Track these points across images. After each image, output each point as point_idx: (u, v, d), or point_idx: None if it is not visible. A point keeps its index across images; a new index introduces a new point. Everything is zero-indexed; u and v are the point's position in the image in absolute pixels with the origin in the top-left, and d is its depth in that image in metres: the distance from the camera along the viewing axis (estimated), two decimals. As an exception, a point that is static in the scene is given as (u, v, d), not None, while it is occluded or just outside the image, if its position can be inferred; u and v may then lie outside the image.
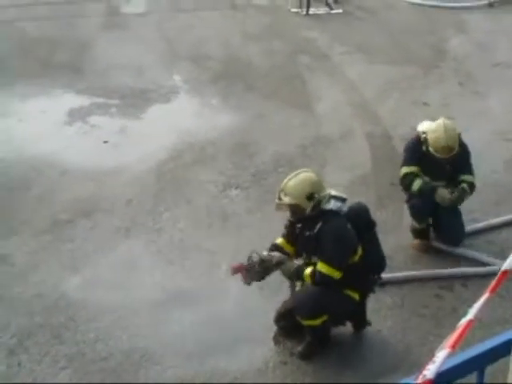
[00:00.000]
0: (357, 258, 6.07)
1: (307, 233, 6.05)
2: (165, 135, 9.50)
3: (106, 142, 9.40)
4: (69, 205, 8.06)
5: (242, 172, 8.77)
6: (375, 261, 6.28)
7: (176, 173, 8.75)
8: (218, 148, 9.25)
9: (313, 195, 5.95)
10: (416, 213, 7.38)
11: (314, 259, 6.00)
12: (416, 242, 7.41)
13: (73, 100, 10.36)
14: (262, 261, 6.01)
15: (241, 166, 8.88)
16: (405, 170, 7.35)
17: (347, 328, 6.42)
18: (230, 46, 12.10)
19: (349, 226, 6.04)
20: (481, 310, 2.92)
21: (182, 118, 10.08)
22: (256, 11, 13.60)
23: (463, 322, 2.86)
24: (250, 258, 6.03)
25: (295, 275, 6.05)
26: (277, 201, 6.04)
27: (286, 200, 5.95)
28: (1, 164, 8.73)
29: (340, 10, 13.50)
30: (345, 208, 6.16)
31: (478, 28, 12.78)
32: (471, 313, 2.89)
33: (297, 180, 6.00)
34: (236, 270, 6.08)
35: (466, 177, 7.39)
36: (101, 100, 10.39)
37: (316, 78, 10.94)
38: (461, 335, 2.81)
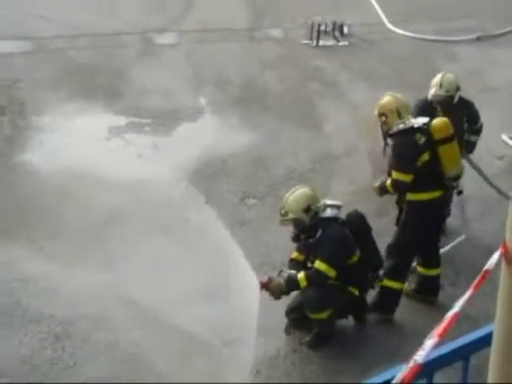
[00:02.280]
0: (355, 258, 6.12)
1: (310, 240, 6.12)
2: (191, 150, 9.54)
3: (139, 155, 9.45)
4: (106, 210, 8.11)
5: (258, 183, 8.80)
6: (372, 261, 6.31)
7: (201, 183, 8.79)
8: (237, 162, 9.28)
9: (309, 207, 6.04)
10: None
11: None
12: None
13: (111, 119, 10.40)
14: (290, 278, 6.05)
15: (257, 178, 8.91)
16: None
17: (349, 321, 6.45)
18: (249, 73, 12.11)
19: (346, 230, 6.09)
20: (465, 304, 2.93)
21: (206, 135, 10.09)
22: (271, 43, 13.61)
23: (450, 314, 2.86)
24: (280, 275, 6.12)
25: (288, 286, 6.05)
26: (280, 218, 6.18)
27: (287, 216, 6.07)
28: (46, 173, 8.80)
29: (346, 42, 13.48)
30: (340, 213, 6.20)
31: (467, 58, 12.75)
32: (457, 306, 2.90)
33: (294, 197, 6.11)
34: (264, 286, 6.14)
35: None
36: (135, 119, 10.42)
37: (324, 102, 10.96)
38: (448, 326, 2.81)
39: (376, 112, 6.71)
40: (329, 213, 6.15)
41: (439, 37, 13.62)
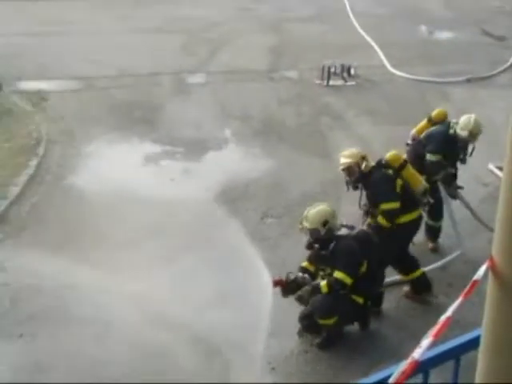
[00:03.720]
0: (363, 269, 6.13)
1: (323, 252, 6.15)
2: (217, 175, 9.60)
3: (172, 179, 9.52)
4: (143, 226, 8.18)
5: (275, 205, 8.82)
6: (376, 275, 6.34)
7: (226, 203, 8.83)
8: (258, 186, 9.32)
9: (327, 222, 6.10)
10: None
11: (328, 271, 6.09)
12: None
13: (148, 147, 10.50)
14: (297, 279, 6.20)
15: (275, 200, 8.94)
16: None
17: (354, 326, 6.45)
18: (268, 109, 12.19)
19: (355, 243, 6.13)
20: (456, 310, 2.96)
21: (231, 162, 10.16)
22: (288, 82, 13.70)
23: (443, 318, 2.89)
24: (287, 276, 6.21)
25: (313, 292, 6.13)
26: (300, 226, 6.24)
27: (307, 225, 6.12)
28: (92, 194, 8.89)
29: (353, 83, 13.53)
30: (353, 232, 6.25)
31: (458, 98, 12.75)
32: (449, 311, 2.93)
33: (316, 210, 6.18)
34: (276, 283, 6.26)
35: None
36: (169, 147, 10.52)
37: (333, 134, 11.00)
38: (441, 328, 2.84)
39: (342, 168, 6.85)
40: (342, 231, 6.22)
41: (434, 78, 13.66)
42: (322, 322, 6.14)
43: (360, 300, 6.18)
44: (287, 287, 6.22)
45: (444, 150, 7.52)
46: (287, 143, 10.72)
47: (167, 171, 9.82)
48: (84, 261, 7.37)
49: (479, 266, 2.96)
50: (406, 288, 7.00)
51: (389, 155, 6.81)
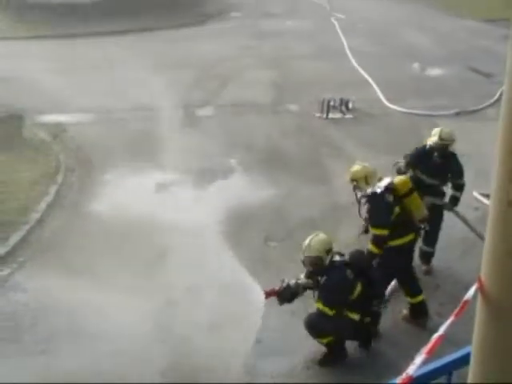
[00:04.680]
0: (357, 293, 6.00)
1: (319, 279, 6.00)
2: (224, 201, 9.63)
3: (181, 205, 9.55)
4: (155, 248, 8.19)
5: (278, 229, 8.84)
6: (373, 292, 6.23)
7: (232, 228, 8.85)
8: (262, 211, 9.34)
9: (330, 249, 5.97)
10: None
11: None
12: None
13: (159, 176, 10.54)
14: (289, 286, 5.98)
15: (277, 225, 8.95)
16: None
17: (352, 343, 6.40)
18: (271, 140, 12.26)
19: (346, 274, 5.97)
20: (448, 329, 2.97)
21: (236, 189, 10.19)
22: (290, 115, 13.80)
23: (436, 336, 2.91)
24: (281, 284, 6.01)
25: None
26: (302, 257, 5.98)
27: (311, 253, 5.90)
28: (109, 219, 8.93)
29: (351, 116, 13.61)
30: (346, 257, 6.12)
31: (448, 130, 12.84)
32: (441, 330, 2.95)
33: (319, 239, 5.97)
34: (268, 294, 6.05)
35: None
36: (178, 176, 10.58)
37: (333, 163, 11.01)
38: (434, 345, 2.86)
39: (348, 178, 6.78)
40: (337, 258, 6.09)
41: (425, 112, 13.74)
42: (316, 340, 6.10)
43: (355, 316, 6.04)
44: (281, 295, 5.99)
45: (416, 161, 7.54)
46: (289, 172, 10.75)
47: (177, 197, 9.86)
48: (100, 282, 7.38)
49: (469, 286, 2.98)
50: (405, 311, 6.93)
51: (397, 180, 6.65)
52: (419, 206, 6.66)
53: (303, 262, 6.01)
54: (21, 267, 7.83)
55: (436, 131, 7.69)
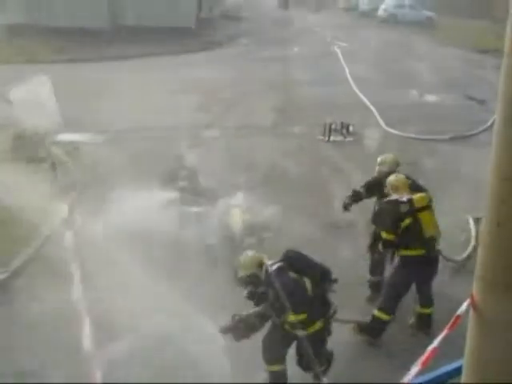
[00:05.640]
0: (309, 290, 5.65)
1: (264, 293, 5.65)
2: (228, 218, 9.67)
3: (190, 221, 9.61)
4: (160, 263, 8.11)
5: (279, 246, 8.78)
6: (323, 278, 5.82)
7: (235, 244, 8.85)
8: (263, 228, 9.34)
9: (262, 262, 5.67)
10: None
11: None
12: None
13: (169, 194, 10.57)
14: (241, 319, 5.58)
15: (279, 242, 8.92)
16: None
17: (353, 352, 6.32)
18: (274, 160, 12.32)
19: (289, 276, 5.62)
20: (441, 341, 3.02)
21: (239, 207, 10.20)
22: (292, 137, 13.89)
23: (430, 348, 2.96)
24: (232, 318, 5.61)
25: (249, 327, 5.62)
26: (238, 278, 5.69)
27: (245, 272, 5.64)
28: (117, 234, 8.89)
29: (351, 139, 13.69)
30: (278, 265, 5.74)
31: (442, 154, 12.92)
32: (435, 343, 3.00)
33: (247, 256, 5.76)
34: (225, 331, 5.64)
35: None
36: (187, 195, 10.63)
37: (332, 183, 11.08)
38: (428, 357, 2.91)
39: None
40: (274, 266, 5.70)
41: (422, 136, 13.84)
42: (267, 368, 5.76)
43: (319, 326, 5.60)
44: (236, 330, 5.58)
45: (371, 190, 7.61)
46: (290, 190, 10.79)
47: (185, 215, 9.89)
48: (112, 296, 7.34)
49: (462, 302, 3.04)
50: (413, 320, 7.02)
51: (417, 196, 6.73)
52: (429, 225, 6.68)
53: (242, 284, 5.73)
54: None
55: (379, 160, 7.63)
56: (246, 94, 16.99)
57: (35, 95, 14.73)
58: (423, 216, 6.67)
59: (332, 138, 13.58)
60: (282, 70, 19.93)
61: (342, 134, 13.77)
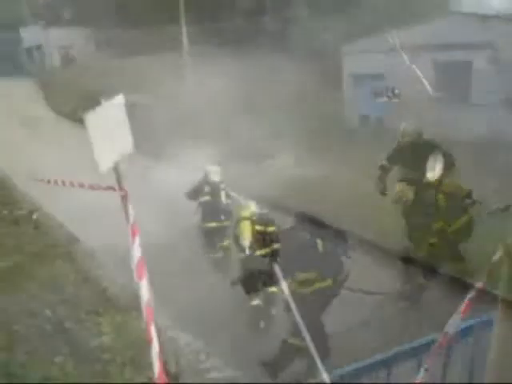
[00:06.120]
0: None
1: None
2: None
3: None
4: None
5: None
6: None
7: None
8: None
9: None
10: None
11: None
12: None
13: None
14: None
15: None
16: None
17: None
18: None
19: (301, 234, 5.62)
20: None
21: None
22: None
23: (468, 297, 3.03)
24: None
25: None
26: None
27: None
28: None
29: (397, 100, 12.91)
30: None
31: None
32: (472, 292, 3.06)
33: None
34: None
35: None
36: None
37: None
38: (467, 307, 2.99)
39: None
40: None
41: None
42: None
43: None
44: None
45: (393, 159, 7.62)
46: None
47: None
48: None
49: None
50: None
51: (429, 177, 6.86)
52: (456, 186, 6.81)
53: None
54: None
55: (401, 129, 7.50)
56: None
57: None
58: (445, 186, 6.88)
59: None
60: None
61: (387, 96, 13.50)
